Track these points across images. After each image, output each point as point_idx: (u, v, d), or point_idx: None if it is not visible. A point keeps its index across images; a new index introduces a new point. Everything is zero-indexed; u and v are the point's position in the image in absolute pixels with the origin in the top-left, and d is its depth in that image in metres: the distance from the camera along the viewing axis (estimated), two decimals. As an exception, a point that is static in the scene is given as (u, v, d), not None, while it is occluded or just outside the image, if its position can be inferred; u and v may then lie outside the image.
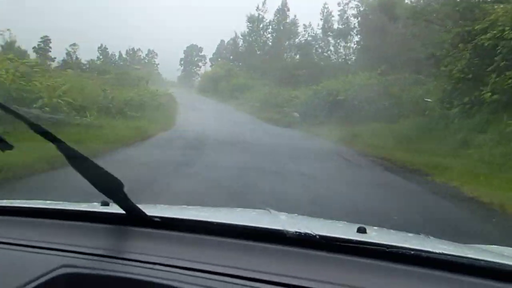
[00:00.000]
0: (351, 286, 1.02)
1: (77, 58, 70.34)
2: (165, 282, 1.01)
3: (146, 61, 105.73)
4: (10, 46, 53.70)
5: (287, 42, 60.68)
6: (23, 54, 53.42)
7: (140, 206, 1.25)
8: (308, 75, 40.33)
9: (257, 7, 61.10)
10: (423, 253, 1.11)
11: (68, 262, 1.08)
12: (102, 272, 1.06)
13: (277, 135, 18.21)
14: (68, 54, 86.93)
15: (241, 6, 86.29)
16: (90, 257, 1.12)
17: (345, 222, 1.66)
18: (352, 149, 13.81)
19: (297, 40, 59.74)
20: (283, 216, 1.47)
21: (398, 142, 14.52)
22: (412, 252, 1.11)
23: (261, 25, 61.64)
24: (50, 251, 1.15)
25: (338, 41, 57.45)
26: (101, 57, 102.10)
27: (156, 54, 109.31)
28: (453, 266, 1.09)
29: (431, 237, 1.51)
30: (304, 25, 58.37)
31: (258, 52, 60.31)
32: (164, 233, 1.25)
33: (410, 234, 1.57)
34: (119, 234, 1.29)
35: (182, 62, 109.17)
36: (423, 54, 19.77)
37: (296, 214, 1.62)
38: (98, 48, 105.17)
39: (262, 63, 53.83)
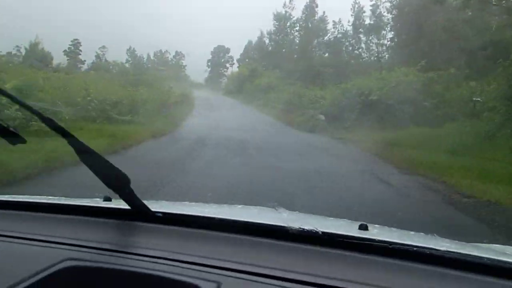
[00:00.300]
0: (354, 282, 1.02)
1: (106, 60, 68.89)
2: (168, 275, 1.03)
3: (174, 62, 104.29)
4: (33, 48, 52.70)
5: (315, 40, 57.06)
6: (46, 56, 52.27)
7: (145, 202, 1.27)
8: (336, 74, 36.80)
9: (284, 4, 57.78)
10: (426, 250, 1.10)
11: (73, 256, 1.10)
12: (106, 266, 1.07)
13: (296, 143, 14.76)
14: (97, 56, 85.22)
15: (270, 5, 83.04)
16: (95, 250, 1.13)
17: (347, 219, 1.64)
18: (390, 164, 10.25)
19: (326, 37, 56.06)
20: (285, 213, 1.51)
21: (451, 153, 10.88)
22: (415, 249, 1.10)
23: (288, 23, 58.28)
24: (55, 244, 1.17)
25: (370, 37, 53.53)
26: (129, 59, 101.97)
27: (184, 56, 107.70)
28: (456, 263, 1.08)
29: (434, 235, 1.51)
30: (333, 21, 54.65)
31: (285, 51, 56.95)
32: (168, 228, 1.27)
33: (412, 232, 1.54)
34: (123, 229, 1.30)
35: (209, 63, 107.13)
36: (476, 44, 16.01)
37: (297, 212, 1.70)
38: (127, 50, 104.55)
39: (288, 62, 50.45)
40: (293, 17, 57.87)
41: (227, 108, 31.99)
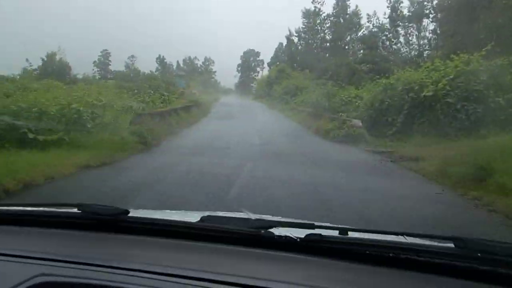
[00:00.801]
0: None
1: (135, 69, 66.19)
2: None
3: (203, 69, 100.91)
4: (51, 58, 50.03)
5: (348, 37, 51.67)
6: (63, 66, 49.62)
7: (131, 211, 1.29)
8: (375, 71, 31.58)
9: (313, 0, 52.73)
10: (403, 245, 1.13)
11: (46, 271, 1.06)
12: (79, 280, 1.05)
13: (324, 166, 9.49)
14: (126, 66, 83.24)
15: (299, 2, 78.31)
16: (68, 264, 1.10)
17: (328, 223, 1.57)
18: (502, 216, 5.16)
19: (360, 33, 50.61)
20: (259, 218, 1.41)
21: None
22: (391, 254, 1.10)
23: (318, 20, 53.15)
24: (27, 259, 1.13)
25: (410, 30, 47.68)
26: (159, 67, 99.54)
27: (213, 62, 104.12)
28: (437, 266, 1.07)
29: (409, 238, 1.45)
30: (367, 15, 49.16)
31: (315, 50, 51.86)
32: (143, 239, 1.24)
33: (393, 236, 1.43)
34: (97, 240, 1.27)
35: (239, 68, 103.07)
36: None
37: (280, 217, 1.66)
38: (156, 59, 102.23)
39: (319, 61, 45.43)
40: (323, 12, 52.78)
41: (248, 113, 27.53)
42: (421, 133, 14.83)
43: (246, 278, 1.02)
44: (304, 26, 53.67)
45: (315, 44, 52.66)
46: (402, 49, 48.14)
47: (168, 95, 22.35)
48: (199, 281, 1.01)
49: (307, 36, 53.29)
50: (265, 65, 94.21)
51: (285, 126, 20.00)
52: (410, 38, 46.89)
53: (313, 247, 1.14)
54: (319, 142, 14.59)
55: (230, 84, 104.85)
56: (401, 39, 48.77)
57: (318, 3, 52.17)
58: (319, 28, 52.72)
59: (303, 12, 53.64)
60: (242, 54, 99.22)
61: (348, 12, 51.48)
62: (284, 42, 57.93)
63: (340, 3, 51.41)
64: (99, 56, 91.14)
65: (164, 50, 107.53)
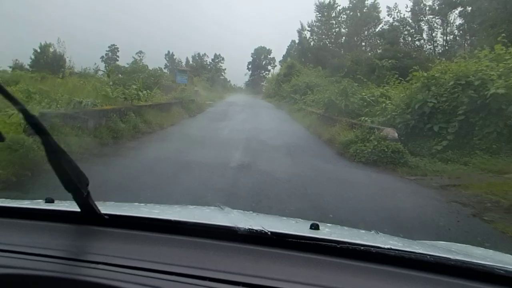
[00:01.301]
0: (302, 283, 1.00)
1: (142, 65, 61.64)
2: (111, 283, 0.97)
3: (212, 66, 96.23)
4: (44, 50, 45.70)
5: (365, 32, 46.44)
6: (58, 59, 45.31)
7: (98, 203, 1.20)
8: (397, 68, 26.52)
9: (328, -9, 47.55)
10: (372, 249, 1.10)
11: (11, 263, 1.03)
12: (48, 274, 1.01)
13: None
14: (134, 62, 78.45)
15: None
16: (35, 257, 1.06)
17: (299, 219, 1.56)
18: None
19: (378, 27, 45.37)
20: (235, 213, 1.43)
21: None
22: (362, 248, 1.10)
23: (333, 13, 47.99)
24: None
25: (434, 24, 42.33)
26: (168, 64, 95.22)
27: (223, 59, 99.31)
28: (401, 261, 1.08)
29: (382, 233, 1.49)
30: (387, 7, 43.89)
31: (329, 45, 46.71)
32: (115, 231, 1.19)
33: (362, 231, 1.53)
34: (67, 233, 1.21)
35: (249, 66, 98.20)
36: None
37: (251, 212, 1.61)
38: (165, 55, 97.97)
39: (334, 58, 40.37)
40: (338, 5, 47.59)
41: (248, 114, 22.77)
42: (486, 150, 9.83)
43: (220, 273, 1.00)
44: (317, 20, 48.53)
45: (329, 39, 47.50)
46: (425, 46, 42.96)
47: (147, 92, 17.52)
48: (167, 274, 0.99)
49: (320, 31, 48.15)
50: (277, 63, 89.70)
51: (289, 133, 14.99)
52: (434, 33, 41.60)
53: (284, 241, 1.12)
54: (336, 163, 9.46)
55: (241, 83, 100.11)
56: (424, 34, 43.60)
57: (333, -5, 47.02)
58: (334, 22, 47.52)
59: (317, 5, 48.55)
60: (253, 51, 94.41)
61: (366, 5, 46.24)
62: (297, 39, 53.05)
63: (357, -5, 46.24)
64: (106, 51, 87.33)
65: (174, 46, 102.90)
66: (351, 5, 46.69)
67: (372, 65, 29.35)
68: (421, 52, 40.89)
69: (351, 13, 46.52)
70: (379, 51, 39.01)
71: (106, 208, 1.24)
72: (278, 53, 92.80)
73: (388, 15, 43.44)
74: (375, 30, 45.42)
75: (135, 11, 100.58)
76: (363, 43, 46.87)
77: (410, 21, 42.83)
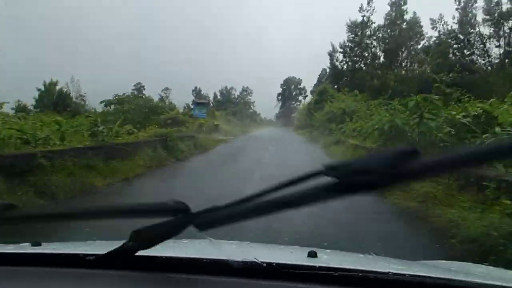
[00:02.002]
0: None
1: (170, 102, 57.45)
2: None
3: (240, 100, 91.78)
4: (49, 89, 41.70)
5: (406, 49, 40.03)
6: (63, 97, 41.30)
7: (76, 243, 1.27)
8: (459, 84, 20.11)
9: (361, 8, 41.76)
10: (370, 275, 1.07)
11: None
12: None
13: None
14: (161, 99, 74.16)
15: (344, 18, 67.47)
16: None
17: (297, 246, 1.50)
18: None
19: (421, 43, 38.97)
20: (228, 244, 1.37)
21: None
22: (360, 274, 1.07)
23: (367, 32, 42.00)
24: None
25: (489, 35, 35.57)
26: (196, 99, 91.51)
27: (251, 92, 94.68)
28: (402, 285, 1.06)
29: (381, 256, 1.51)
30: (431, 20, 37.50)
31: (364, 67, 40.50)
32: (103, 272, 1.11)
33: (361, 255, 1.50)
34: (57, 277, 1.13)
35: (279, 97, 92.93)
36: None
37: (247, 242, 1.56)
38: (193, 90, 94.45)
39: (372, 78, 34.21)
40: (373, 22, 41.60)
41: (271, 154, 16.76)
42: None
43: None
44: (350, 40, 42.59)
45: (364, 60, 41.33)
46: (478, 59, 36.10)
47: (109, 128, 11.63)
48: None
49: (353, 53, 42.09)
50: (308, 93, 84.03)
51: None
52: (488, 45, 34.75)
53: (281, 272, 1.06)
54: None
55: (271, 115, 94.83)
56: (474, 47, 36.77)
57: (367, 11, 41.09)
58: (369, 41, 41.43)
59: (349, 25, 42.72)
60: (282, 82, 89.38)
61: (405, 19, 40.04)
62: (328, 65, 47.05)
63: (395, 9, 40.15)
64: (132, 89, 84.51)
65: (202, 81, 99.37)
66: (387, 21, 40.60)
67: (426, 82, 22.98)
68: (476, 66, 34.06)
69: (388, 30, 40.38)
70: (427, 67, 32.55)
71: (92, 248, 1.18)
72: (308, 83, 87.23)
73: (432, 28, 37.04)
74: (417, 47, 39.02)
75: (162, 48, 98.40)
76: (405, 62, 40.42)
77: (459, 34, 36.26)
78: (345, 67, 42.04)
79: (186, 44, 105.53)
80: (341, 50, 42.18)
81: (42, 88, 39.68)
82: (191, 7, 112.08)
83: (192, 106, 39.80)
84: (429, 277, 1.09)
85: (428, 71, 24.38)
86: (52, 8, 77.52)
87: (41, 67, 52.68)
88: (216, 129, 40.45)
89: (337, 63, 42.36)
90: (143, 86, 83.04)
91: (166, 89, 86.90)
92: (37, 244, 1.28)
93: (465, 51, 35.69)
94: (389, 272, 1.07)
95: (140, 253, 1.12)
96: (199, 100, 40.00)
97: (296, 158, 14.68)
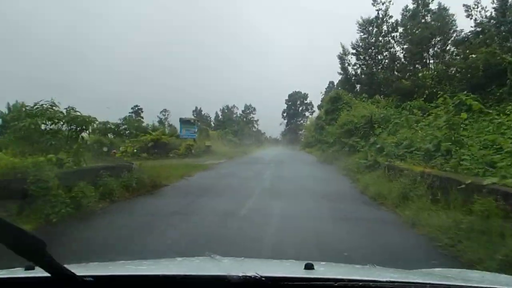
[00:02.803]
0: None
1: (169, 124, 51.27)
2: None
3: (242, 118, 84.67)
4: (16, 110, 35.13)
5: (430, 51, 32.70)
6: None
7: (68, 266, 1.07)
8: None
9: (375, 1, 34.65)
10: (371, 283, 1.05)
11: None
12: None
13: None
14: (160, 121, 69.20)
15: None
16: None
17: (293, 260, 1.54)
18: None
19: (453, 37, 31.60)
20: (226, 260, 1.37)
21: None
22: (361, 284, 1.05)
23: (383, 28, 34.78)
24: None
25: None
26: (197, 120, 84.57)
27: (254, 109, 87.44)
28: None
29: (377, 266, 1.47)
30: (465, 6, 30.20)
31: (381, 69, 33.13)
32: None
33: (358, 266, 1.50)
34: None
35: (284, 114, 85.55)
36: None
37: (243, 258, 1.53)
38: (193, 111, 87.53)
39: (398, 80, 26.80)
40: (390, 16, 34.43)
41: (266, 189, 9.66)
42: None
43: None
44: (361, 40, 35.35)
45: (383, 61, 34.00)
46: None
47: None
48: None
49: (367, 53, 34.81)
50: (315, 108, 76.71)
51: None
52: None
53: (279, 285, 1.07)
54: None
55: (277, 133, 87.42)
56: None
57: (383, 3, 33.95)
58: (387, 39, 34.14)
59: (360, 24, 35.56)
60: (287, 97, 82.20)
61: (430, 9, 32.82)
62: (336, 80, 39.48)
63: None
64: (130, 113, 77.86)
65: (202, 101, 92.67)
66: (408, 13, 33.40)
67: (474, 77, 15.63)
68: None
69: (409, 24, 33.13)
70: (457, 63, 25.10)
71: (88, 269, 1.16)
72: (315, 98, 79.95)
73: (467, 16, 29.68)
74: (447, 40, 31.66)
75: (158, 68, 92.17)
76: (431, 60, 33.00)
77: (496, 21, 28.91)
78: (359, 70, 34.69)
79: (185, 65, 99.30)
80: (354, 51, 34.88)
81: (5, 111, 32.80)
82: (189, 23, 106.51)
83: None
84: (428, 283, 1.07)
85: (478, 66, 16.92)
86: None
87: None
88: (208, 150, 33.33)
89: (349, 67, 35.01)
90: (140, 109, 76.32)
91: (165, 110, 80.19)
92: (31, 268, 1.19)
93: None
94: (389, 280, 1.05)
95: (138, 272, 1.17)
96: (186, 118, 32.74)
97: (313, 212, 7.20)
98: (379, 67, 33.79)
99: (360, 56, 34.56)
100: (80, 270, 1.10)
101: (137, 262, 1.63)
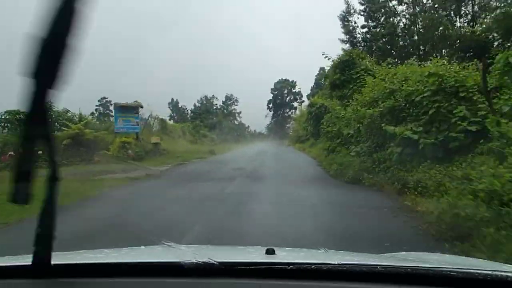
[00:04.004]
0: None
1: (155, 118, 38.97)
2: None
3: (223, 110, 73.96)
4: None
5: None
6: None
7: (56, 253, 1.06)
8: None
9: None
10: (323, 266, 1.06)
11: None
12: None
13: None
14: (101, 113, 58.09)
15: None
16: None
17: (259, 246, 1.37)
18: None
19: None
20: (183, 248, 1.32)
21: None
22: (313, 267, 1.06)
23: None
24: None
25: None
26: (174, 114, 73.83)
27: (236, 100, 76.38)
28: (353, 275, 1.04)
29: (342, 251, 1.51)
30: None
31: (407, 27, 22.85)
32: (66, 281, 1.10)
33: (321, 250, 1.40)
34: None
35: (270, 105, 74.72)
36: None
37: (207, 245, 1.53)
38: (169, 103, 76.60)
39: (441, 38, 16.70)
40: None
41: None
42: None
43: None
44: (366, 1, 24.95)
45: (398, 24, 23.69)
46: None
47: None
48: None
49: (379, 14, 24.49)
50: (304, 97, 66.28)
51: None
52: None
53: (235, 270, 1.05)
54: None
55: (262, 127, 76.79)
56: None
57: None
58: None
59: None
60: (272, 86, 71.54)
61: None
62: (342, 39, 28.85)
63: None
64: (97, 106, 66.47)
65: (179, 93, 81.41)
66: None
67: None
68: None
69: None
70: None
71: (57, 258, 1.12)
72: (304, 86, 69.56)
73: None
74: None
75: (131, 57, 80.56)
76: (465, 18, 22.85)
77: None
78: (370, 29, 24.39)
79: (160, 53, 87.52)
80: (362, 8, 24.53)
81: None
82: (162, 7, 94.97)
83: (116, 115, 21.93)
84: (379, 265, 1.06)
85: None
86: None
87: None
88: (156, 150, 22.84)
89: (357, 30, 24.71)
90: (109, 101, 64.86)
91: (103, 99, 68.29)
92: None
93: None
94: (340, 263, 1.05)
95: (94, 260, 1.16)
96: (124, 103, 21.96)
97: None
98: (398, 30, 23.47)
99: (373, 14, 24.17)
100: (58, 258, 1.07)
101: (98, 250, 1.56)
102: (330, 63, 16.92)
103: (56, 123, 22.48)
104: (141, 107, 22.88)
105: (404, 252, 1.82)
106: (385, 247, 3.43)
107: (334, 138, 13.62)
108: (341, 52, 17.54)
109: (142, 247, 1.56)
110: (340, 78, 15.18)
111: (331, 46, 60.30)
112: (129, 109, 22.06)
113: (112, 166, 16.51)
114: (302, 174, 11.29)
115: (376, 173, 8.43)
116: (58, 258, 1.08)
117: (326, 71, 29.20)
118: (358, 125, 10.26)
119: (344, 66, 15.09)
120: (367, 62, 15.04)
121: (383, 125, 8.54)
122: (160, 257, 1.19)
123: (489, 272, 1.02)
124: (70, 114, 23.46)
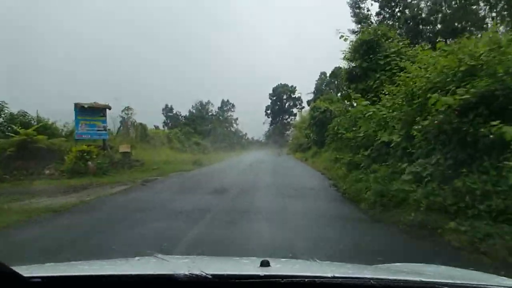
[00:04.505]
0: None
1: (132, 123, 33.55)
2: None
3: (220, 116, 69.63)
4: None
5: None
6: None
7: (15, 268, 0.99)
8: None
9: None
10: (316, 280, 1.05)
11: None
12: None
13: None
14: (122, 120, 50.18)
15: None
16: None
17: (254, 258, 1.34)
18: None
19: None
20: (175, 259, 1.34)
21: None
22: (306, 280, 1.04)
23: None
24: None
25: None
26: (168, 120, 69.63)
27: (233, 106, 72.11)
28: (346, 287, 1.04)
29: (338, 263, 1.49)
30: None
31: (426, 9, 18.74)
32: None
33: (316, 262, 1.40)
34: None
35: (268, 111, 70.35)
36: None
37: (201, 256, 1.57)
38: (163, 109, 72.45)
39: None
40: None
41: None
42: None
43: None
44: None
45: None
46: None
47: None
48: None
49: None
50: (304, 103, 61.88)
51: None
52: None
53: (228, 283, 1.03)
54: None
55: (259, 134, 72.35)
56: None
57: None
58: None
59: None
60: (271, 91, 67.28)
61: None
62: (352, 30, 24.55)
63: None
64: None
65: (174, 99, 76.70)
66: None
67: None
68: None
69: None
70: None
71: (38, 270, 1.10)
72: (304, 92, 65.17)
73: None
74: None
75: (120, 62, 76.27)
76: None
77: None
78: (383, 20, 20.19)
79: (156, 57, 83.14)
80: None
81: None
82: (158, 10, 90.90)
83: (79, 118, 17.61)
84: (373, 278, 1.05)
85: None
86: None
87: None
88: (125, 161, 18.54)
89: (372, 18, 20.58)
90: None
91: (128, 108, 64.77)
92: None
93: None
94: (333, 276, 1.04)
95: (85, 273, 1.10)
96: (87, 104, 17.66)
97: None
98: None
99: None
100: (29, 271, 1.04)
101: (90, 262, 1.51)
102: (339, 59, 12.72)
103: (2, 128, 18.36)
104: (109, 108, 18.56)
105: (399, 264, 1.75)
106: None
107: (357, 147, 9.33)
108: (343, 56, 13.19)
109: (137, 258, 1.44)
110: (362, 65, 10.96)
111: (331, 52, 55.87)
112: (95, 111, 17.78)
113: (53, 184, 12.21)
114: (314, 209, 6.97)
115: (469, 218, 4.20)
116: (52, 270, 1.03)
117: (334, 68, 25.09)
118: (412, 128, 5.99)
119: (368, 48, 10.88)
120: (400, 43, 10.83)
121: (480, 123, 4.30)
122: (153, 270, 1.13)
123: (485, 285, 1.01)
124: (27, 118, 19.20)
